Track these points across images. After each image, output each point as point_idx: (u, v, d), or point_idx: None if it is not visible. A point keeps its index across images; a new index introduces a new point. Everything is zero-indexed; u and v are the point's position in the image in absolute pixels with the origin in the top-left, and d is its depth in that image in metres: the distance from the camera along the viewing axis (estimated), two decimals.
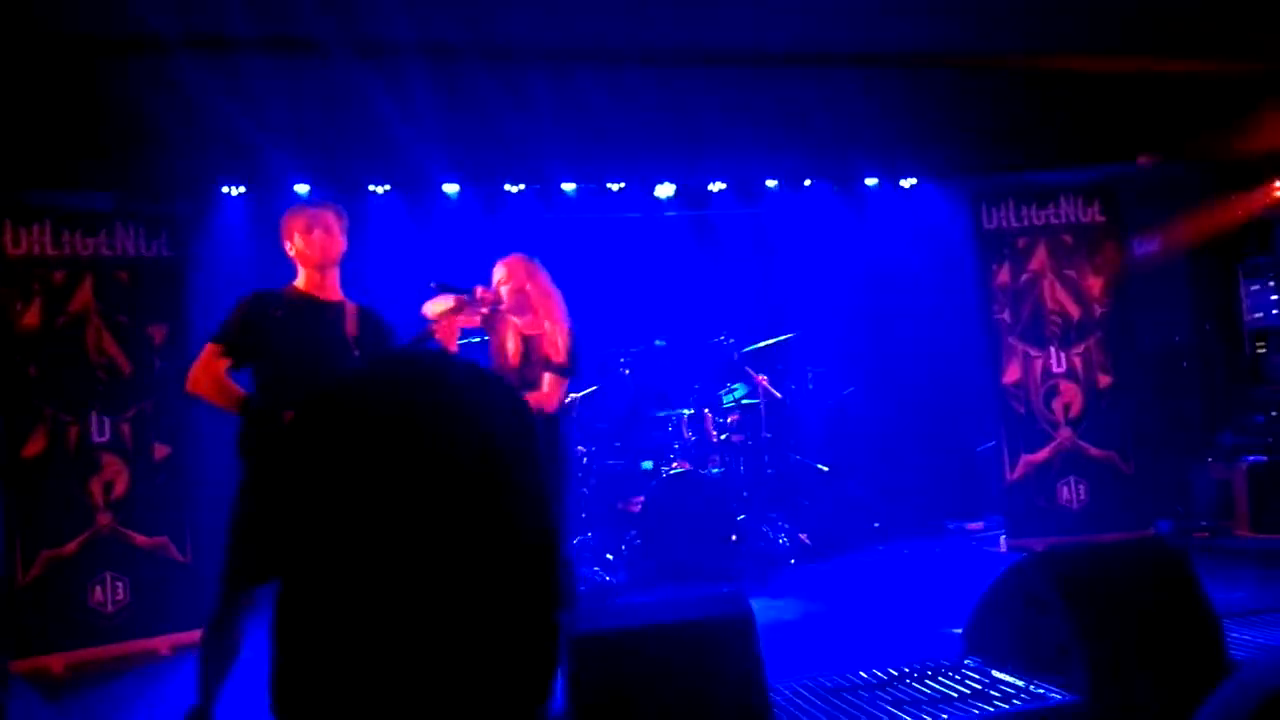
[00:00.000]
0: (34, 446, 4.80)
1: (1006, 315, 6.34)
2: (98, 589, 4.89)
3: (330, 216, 3.68)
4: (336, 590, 0.64)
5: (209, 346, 3.51)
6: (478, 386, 0.72)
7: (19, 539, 4.73)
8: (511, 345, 4.02)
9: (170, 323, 5.21)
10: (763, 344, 6.39)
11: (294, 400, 3.43)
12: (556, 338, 3.98)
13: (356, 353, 3.54)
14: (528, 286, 4.01)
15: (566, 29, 4.61)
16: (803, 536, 6.10)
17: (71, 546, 4.85)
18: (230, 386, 3.47)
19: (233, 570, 3.43)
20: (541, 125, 5.56)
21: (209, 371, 3.46)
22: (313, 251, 3.60)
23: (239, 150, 5.50)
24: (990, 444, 6.53)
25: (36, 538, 4.78)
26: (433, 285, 3.82)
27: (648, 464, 5.97)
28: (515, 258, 4.09)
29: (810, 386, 6.94)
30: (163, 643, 4.92)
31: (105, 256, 5.10)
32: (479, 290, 3.90)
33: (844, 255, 7.33)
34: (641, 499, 5.60)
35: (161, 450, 5.13)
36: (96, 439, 4.97)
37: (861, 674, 3.52)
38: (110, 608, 4.91)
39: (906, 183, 6.99)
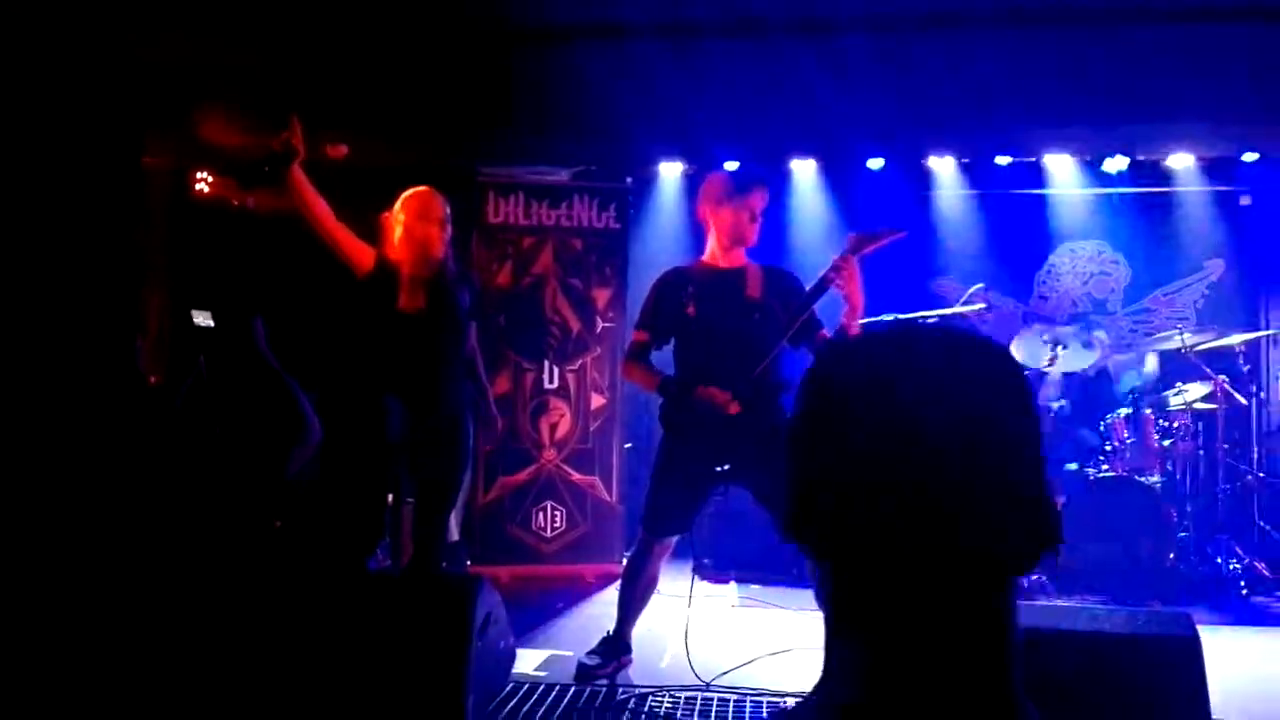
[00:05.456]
0: (501, 386, 5.58)
1: None
2: (539, 515, 5.60)
3: (755, 198, 3.77)
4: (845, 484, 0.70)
5: (635, 335, 3.82)
6: (972, 350, 0.73)
7: (482, 464, 5.57)
8: None
9: (612, 287, 5.76)
10: (1225, 340, 5.52)
11: (703, 367, 3.61)
12: None
13: (757, 315, 3.63)
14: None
15: None
16: (1259, 565, 5.22)
17: (522, 476, 5.60)
18: (650, 370, 3.76)
19: (651, 518, 3.75)
20: (978, 95, 5.25)
21: (635, 357, 3.78)
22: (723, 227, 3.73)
23: (678, 130, 5.87)
24: None
25: (495, 464, 5.58)
26: None
27: (1072, 464, 5.45)
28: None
29: None
30: (588, 570, 5.50)
31: (564, 226, 5.76)
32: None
33: None
34: (1063, 500, 5.15)
35: (597, 400, 5.71)
36: (547, 385, 5.66)
37: None
38: (549, 533, 5.60)
39: None
